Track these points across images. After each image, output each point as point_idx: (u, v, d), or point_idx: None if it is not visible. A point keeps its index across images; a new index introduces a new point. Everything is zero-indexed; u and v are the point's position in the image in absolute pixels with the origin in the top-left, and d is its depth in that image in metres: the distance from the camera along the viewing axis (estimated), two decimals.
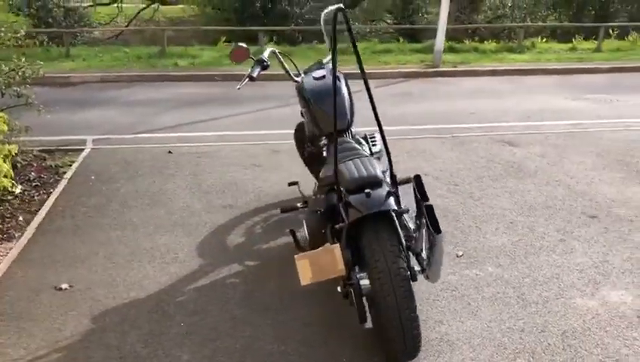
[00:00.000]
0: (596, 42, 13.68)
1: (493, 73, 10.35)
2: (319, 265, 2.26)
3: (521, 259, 3.44)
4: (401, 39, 13.76)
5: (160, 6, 20.47)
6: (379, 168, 2.44)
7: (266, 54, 3.43)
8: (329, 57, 3.56)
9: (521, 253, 3.52)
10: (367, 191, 2.31)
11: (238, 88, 3.44)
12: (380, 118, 2.36)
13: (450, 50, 12.04)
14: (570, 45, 13.59)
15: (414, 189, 2.41)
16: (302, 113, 3.59)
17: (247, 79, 3.35)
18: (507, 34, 15.31)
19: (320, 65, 3.52)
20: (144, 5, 20.49)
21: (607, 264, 3.37)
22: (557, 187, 4.58)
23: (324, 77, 3.28)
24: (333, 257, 2.25)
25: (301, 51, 12.02)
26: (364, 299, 2.43)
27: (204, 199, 4.30)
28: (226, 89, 9.03)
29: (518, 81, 9.94)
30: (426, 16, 18.98)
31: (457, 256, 3.44)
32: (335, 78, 3.20)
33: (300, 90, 3.34)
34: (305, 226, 2.95)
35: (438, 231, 2.20)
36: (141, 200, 4.27)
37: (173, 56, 11.53)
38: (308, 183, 3.70)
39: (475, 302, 2.99)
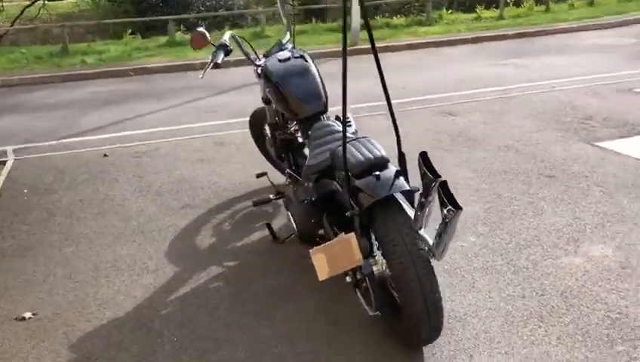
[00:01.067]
0: (497, 10, 14.25)
1: (410, 47, 10.49)
2: (336, 257, 2.12)
3: (498, 225, 3.46)
4: (314, 20, 13.65)
5: (46, 2, 19.10)
6: (382, 148, 2.32)
7: (226, 38, 3.20)
8: (288, 37, 3.38)
9: (495, 219, 3.54)
10: (376, 173, 2.18)
11: (201, 77, 3.21)
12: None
13: (363, 27, 12.07)
14: (474, 15, 14.05)
15: (420, 166, 2.31)
16: (265, 99, 3.40)
17: (210, 66, 3.11)
18: (408, 8, 15.62)
19: (280, 46, 3.34)
20: (28, 2, 19.01)
21: (579, 221, 3.45)
22: (508, 152, 4.68)
23: (289, 58, 3.10)
24: (349, 247, 2.11)
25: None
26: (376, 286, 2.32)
27: (158, 201, 4.01)
28: (143, 83, 8.58)
29: (436, 52, 10.13)
30: None
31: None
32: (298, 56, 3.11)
33: (266, 75, 3.14)
34: (291, 218, 2.79)
35: (458, 207, 2.11)
36: (89, 210, 3.92)
37: (77, 53, 10.80)
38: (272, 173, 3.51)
39: (469, 274, 2.97)
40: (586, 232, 3.32)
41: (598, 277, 2.87)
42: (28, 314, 2.78)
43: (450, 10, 14.62)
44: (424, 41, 10.83)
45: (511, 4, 14.95)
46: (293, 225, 2.79)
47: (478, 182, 4.07)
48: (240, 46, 3.31)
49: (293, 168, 3.29)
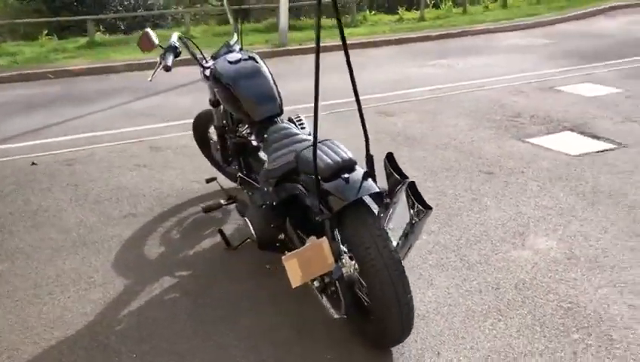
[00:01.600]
0: (417, 12, 14.67)
1: (339, 48, 10.54)
2: (309, 262, 2.09)
3: (447, 222, 3.54)
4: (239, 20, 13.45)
5: None
6: (348, 150, 2.31)
7: (174, 39, 3.07)
8: (235, 38, 3.31)
9: (444, 216, 3.61)
10: (345, 176, 2.17)
11: (150, 80, 3.06)
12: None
13: (290, 27, 12.05)
14: (397, 16, 14.37)
15: (386, 167, 2.32)
16: (212, 102, 3.30)
17: (159, 69, 2.98)
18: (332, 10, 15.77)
19: (228, 47, 3.25)
20: None
21: (521, 215, 3.59)
22: (446, 150, 4.80)
23: (240, 60, 3.03)
24: (321, 252, 2.09)
25: (131, 40, 11.23)
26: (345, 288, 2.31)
27: (97, 211, 3.81)
28: (66, 86, 8.16)
29: (364, 53, 10.26)
30: None
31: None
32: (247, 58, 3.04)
33: (215, 77, 3.04)
34: (249, 223, 2.73)
35: (428, 207, 2.14)
36: (22, 223, 3.67)
37: None
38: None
39: (425, 272, 3.02)
40: (530, 226, 3.45)
41: (547, 268, 3.00)
42: None
43: (372, 12, 14.87)
44: (351, 42, 10.93)
45: (430, 5, 15.43)
46: (252, 230, 2.72)
47: (423, 181, 4.15)
48: (187, 47, 3.20)
49: (246, 172, 3.22)
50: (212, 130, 3.87)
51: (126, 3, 16.96)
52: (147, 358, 2.42)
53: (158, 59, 3.15)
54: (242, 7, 15.57)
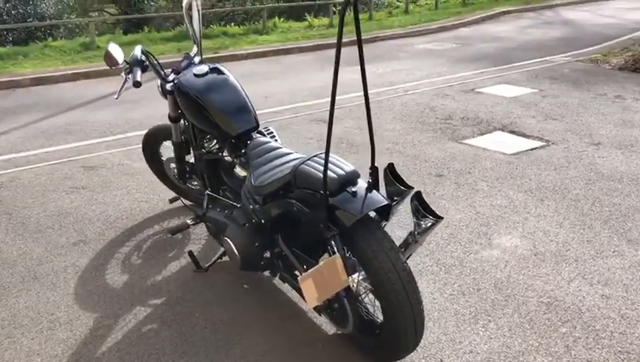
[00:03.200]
0: (325, 19, 14.88)
1: (256, 55, 10.47)
2: (324, 281, 2.01)
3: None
4: (147, 28, 13.01)
5: None
6: (349, 162, 2.26)
7: (138, 54, 2.87)
8: (195, 50, 3.15)
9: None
10: (351, 190, 2.12)
11: (116, 98, 2.84)
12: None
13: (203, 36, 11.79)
14: (306, 23, 14.47)
15: (386, 177, 2.30)
16: (173, 118, 3.12)
17: (125, 85, 2.77)
18: (243, 16, 15.69)
19: (189, 60, 3.10)
20: None
21: (480, 215, 3.71)
22: (392, 155, 4.87)
23: (207, 73, 2.88)
24: (335, 269, 2.02)
25: (30, 51, 10.53)
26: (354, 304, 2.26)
27: (42, 240, 3.49)
28: None
29: (281, 60, 10.24)
30: (152, 3, 18.32)
31: None
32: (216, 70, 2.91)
33: (181, 91, 2.88)
34: (230, 243, 2.61)
35: (438, 216, 2.15)
36: None
37: None
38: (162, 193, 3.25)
39: None
40: (491, 225, 3.57)
41: (518, 266, 3.10)
42: None
43: (282, 19, 14.88)
44: (267, 49, 10.88)
45: (336, 12, 15.68)
46: (234, 250, 2.60)
47: None
48: (150, 61, 3.00)
49: (212, 190, 3.07)
50: (163, 147, 3.68)
51: (14, 12, 15.83)
52: None
53: (123, 75, 2.93)
54: (145, 15, 15.03)
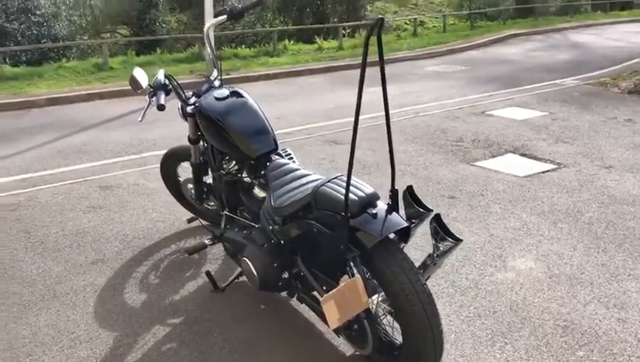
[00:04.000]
0: (334, 41, 15.06)
1: (267, 77, 10.60)
2: (345, 302, 2.04)
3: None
4: (159, 50, 13.20)
5: None
6: (368, 184, 2.30)
7: (162, 78, 2.94)
8: (215, 74, 3.22)
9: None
10: (372, 211, 2.15)
11: (140, 120, 2.91)
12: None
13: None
14: (316, 45, 14.64)
15: (405, 199, 2.33)
16: (193, 139, 3.18)
17: (149, 108, 2.84)
18: (254, 39, 15.92)
19: (210, 83, 3.16)
20: None
21: (494, 237, 3.73)
22: (404, 176, 4.90)
23: (228, 96, 2.95)
24: (356, 290, 2.05)
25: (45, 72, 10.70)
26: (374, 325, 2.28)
27: (60, 259, 3.54)
28: None
29: (292, 82, 10.35)
30: (164, 25, 18.59)
31: None
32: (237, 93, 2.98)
33: (202, 114, 2.94)
34: (249, 263, 2.64)
35: (458, 239, 2.18)
36: None
37: None
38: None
39: None
40: (505, 248, 3.59)
41: (533, 288, 3.12)
42: None
43: (291, 41, 15.07)
44: (279, 71, 11.01)
45: (346, 35, 15.86)
46: (252, 270, 2.64)
47: None
48: (172, 84, 3.06)
49: (230, 210, 3.11)
50: (181, 168, 3.74)
51: (28, 33, 16.10)
52: None
53: (147, 98, 3.00)
54: (157, 37, 15.21)
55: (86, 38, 18.56)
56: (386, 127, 2.15)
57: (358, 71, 1.95)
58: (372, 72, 2.11)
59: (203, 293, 3.12)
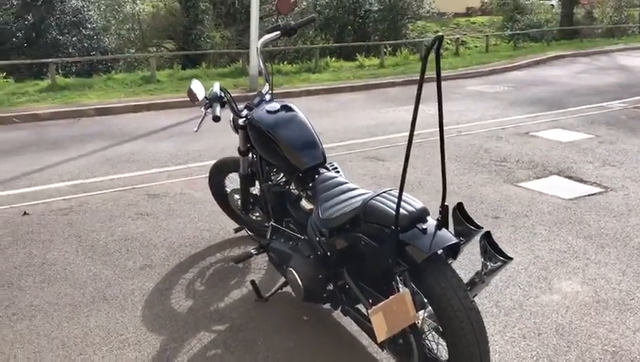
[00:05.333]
0: (375, 58, 15.15)
1: (309, 93, 10.73)
2: (393, 315, 2.06)
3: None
4: (204, 64, 13.52)
5: None
6: (418, 200, 2.32)
7: (217, 90, 3.04)
8: (267, 88, 3.30)
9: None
10: (422, 226, 2.17)
11: (196, 130, 3.01)
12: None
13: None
14: (357, 63, 14.75)
15: (455, 216, 2.34)
16: (242, 151, 3.26)
17: (205, 119, 2.93)
18: (296, 55, 16.15)
19: (261, 97, 3.24)
20: None
21: (539, 259, 3.68)
22: (448, 195, 4.87)
23: (279, 110, 3.02)
24: (404, 304, 2.06)
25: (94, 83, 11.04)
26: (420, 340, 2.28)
27: (109, 263, 3.65)
28: (35, 131, 7.89)
29: (334, 98, 10.44)
30: (208, 40, 19.02)
31: None
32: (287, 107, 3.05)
33: (255, 127, 3.01)
34: (295, 274, 2.68)
35: (508, 257, 2.18)
36: (30, 278, 3.46)
37: None
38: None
39: None
40: (550, 270, 3.54)
41: (580, 312, 3.06)
42: None
43: (332, 58, 15.22)
44: (320, 87, 11.13)
45: (387, 53, 15.94)
46: (298, 281, 2.67)
47: None
48: (226, 97, 3.16)
49: (275, 221, 3.17)
50: (228, 179, 3.82)
51: (79, 46, 16.70)
52: None
53: (202, 110, 3.10)
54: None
55: (133, 51, 19.15)
56: (439, 143, 2.17)
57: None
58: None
59: (247, 302, 3.17)
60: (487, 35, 19.66)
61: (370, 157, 6.10)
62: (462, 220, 2.32)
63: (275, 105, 3.04)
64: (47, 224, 4.29)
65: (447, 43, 20.20)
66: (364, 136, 7.10)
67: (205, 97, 3.06)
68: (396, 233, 2.15)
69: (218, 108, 2.93)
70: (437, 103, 2.09)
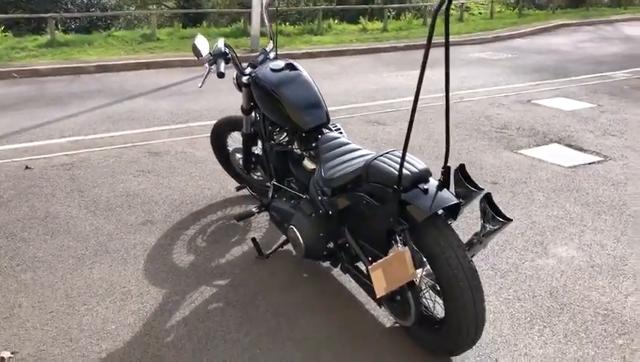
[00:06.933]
0: (379, 22, 14.96)
1: (310, 55, 10.63)
2: (392, 272, 2.10)
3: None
4: (205, 23, 13.35)
5: None
6: (421, 160, 2.35)
7: (222, 46, 3.03)
8: (271, 46, 3.29)
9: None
10: (423, 186, 2.20)
11: (200, 87, 3.01)
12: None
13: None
14: (360, 26, 14.57)
15: (457, 177, 2.37)
16: (245, 110, 3.26)
17: (208, 75, 2.92)
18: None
19: (265, 55, 3.23)
20: None
21: (536, 224, 3.73)
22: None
23: (283, 68, 3.01)
24: (404, 261, 2.11)
25: (95, 40, 10.92)
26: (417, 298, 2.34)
27: (112, 218, 3.69)
28: (35, 87, 7.84)
29: (336, 61, 10.35)
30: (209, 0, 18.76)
31: None
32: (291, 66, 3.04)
33: (259, 85, 3.01)
34: (297, 232, 2.72)
35: (507, 219, 2.21)
36: (33, 231, 3.50)
37: None
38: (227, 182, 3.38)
39: None
40: (547, 235, 3.58)
41: (575, 276, 3.12)
42: (6, 354, 2.43)
43: (336, 20, 15.03)
44: (322, 50, 11.02)
45: (391, 17, 15.73)
46: (299, 239, 2.72)
47: None
48: (231, 54, 3.14)
49: (277, 180, 3.19)
50: (231, 138, 3.83)
51: (78, 1, 16.45)
52: None
53: (206, 66, 3.09)
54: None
55: (133, 8, 18.87)
56: (445, 104, 2.17)
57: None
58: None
59: (248, 259, 3.22)
60: (492, 1, 19.34)
61: (371, 121, 6.09)
62: (463, 182, 2.35)
63: (279, 64, 3.03)
64: (49, 178, 4.31)
65: (452, 9, 19.91)
66: (365, 100, 7.08)
67: (210, 53, 3.04)
68: (398, 193, 2.17)
69: (222, 65, 2.93)
70: (444, 66, 2.07)
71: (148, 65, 9.24)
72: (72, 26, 15.09)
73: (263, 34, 12.20)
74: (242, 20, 13.09)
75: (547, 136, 5.66)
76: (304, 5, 17.26)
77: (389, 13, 15.55)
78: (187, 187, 4.18)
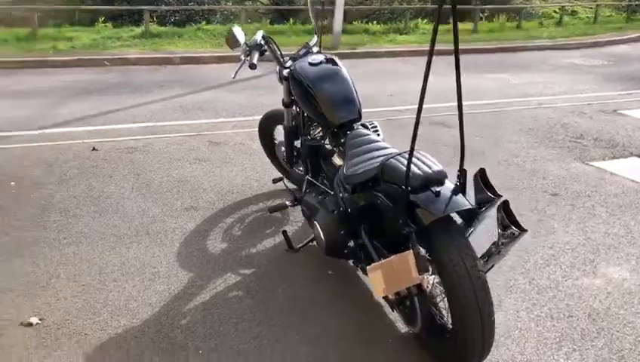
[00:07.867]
0: (470, 24, 14.51)
1: (392, 54, 10.51)
2: (393, 274, 2.03)
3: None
4: (292, 20, 13.54)
5: None
6: (438, 162, 2.25)
7: (258, 38, 3.06)
8: (315, 40, 3.28)
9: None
10: (435, 189, 2.10)
11: (233, 77, 3.06)
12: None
13: (342, 31, 12.03)
14: (448, 26, 14.20)
15: (476, 182, 2.25)
16: (286, 103, 3.27)
17: (242, 67, 2.97)
18: (387, 15, 15.76)
19: (307, 49, 3.23)
20: None
21: (591, 241, 3.47)
22: (509, 167, 4.69)
23: (321, 62, 2.99)
24: (406, 264, 2.03)
25: (185, 32, 11.36)
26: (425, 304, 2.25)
27: (159, 202, 3.83)
28: (122, 74, 8.29)
29: (416, 61, 10.16)
30: None
31: None
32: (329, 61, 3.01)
33: (295, 78, 3.01)
34: (318, 228, 2.69)
35: (522, 229, 2.07)
36: (85, 208, 3.70)
37: (47, 39, 10.32)
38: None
39: (493, 292, 2.88)
40: (600, 253, 3.33)
41: (622, 300, 2.88)
42: (34, 320, 2.58)
43: (425, 20, 14.76)
44: (404, 49, 10.87)
45: (483, 18, 15.24)
46: (320, 235, 2.69)
47: None
48: (270, 47, 3.17)
49: (313, 175, 3.18)
50: (277, 131, 3.86)
51: None
52: (213, 356, 2.39)
53: (241, 57, 3.14)
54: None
55: (230, 3, 19.49)
56: (457, 102, 2.07)
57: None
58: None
59: (277, 251, 3.23)
60: (597, 4, 18.23)
61: (434, 122, 5.93)
62: (482, 187, 2.22)
63: (318, 57, 3.02)
64: (111, 160, 4.55)
65: (555, 12, 18.98)
66: (435, 102, 6.85)
67: (245, 43, 3.07)
68: (406, 193, 2.09)
69: (256, 56, 2.95)
70: (455, 68, 1.97)
71: (230, 59, 9.48)
72: (171, 20, 15.81)
73: (344, 31, 12.24)
74: (328, 18, 13.13)
75: (627, 148, 5.26)
76: (397, 4, 17.00)
77: (481, 15, 15.06)
78: (236, 177, 4.26)
